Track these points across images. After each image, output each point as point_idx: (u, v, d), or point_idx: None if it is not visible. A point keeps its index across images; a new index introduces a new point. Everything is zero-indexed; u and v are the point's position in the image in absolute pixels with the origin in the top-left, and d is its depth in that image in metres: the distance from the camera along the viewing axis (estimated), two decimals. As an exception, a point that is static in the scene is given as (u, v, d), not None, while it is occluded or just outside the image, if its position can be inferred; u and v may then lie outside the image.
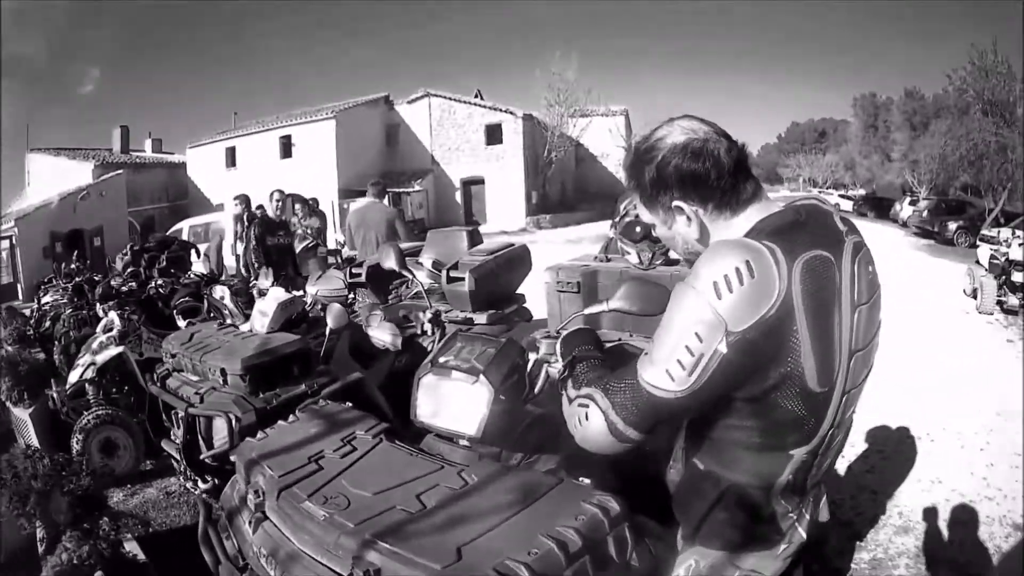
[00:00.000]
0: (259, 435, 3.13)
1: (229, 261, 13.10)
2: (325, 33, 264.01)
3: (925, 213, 33.47)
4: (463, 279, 5.39)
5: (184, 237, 20.57)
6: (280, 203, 10.61)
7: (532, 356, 2.86)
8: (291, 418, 3.31)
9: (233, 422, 4.45)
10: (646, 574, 2.24)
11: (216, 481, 4.87)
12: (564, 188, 49.85)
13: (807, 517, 2.16)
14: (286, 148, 40.39)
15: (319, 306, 6.22)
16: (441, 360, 2.89)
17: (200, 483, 4.96)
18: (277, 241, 10.30)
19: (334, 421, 3.21)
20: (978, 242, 20.44)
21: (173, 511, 6.02)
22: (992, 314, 13.12)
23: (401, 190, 36.07)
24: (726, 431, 2.03)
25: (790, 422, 1.94)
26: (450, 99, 44.28)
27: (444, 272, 5.54)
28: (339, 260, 11.88)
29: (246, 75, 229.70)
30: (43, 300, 12.59)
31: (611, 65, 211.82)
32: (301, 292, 6.44)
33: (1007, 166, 32.34)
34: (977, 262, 16.45)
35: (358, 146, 40.42)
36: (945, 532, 5.22)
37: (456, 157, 43.54)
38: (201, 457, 4.76)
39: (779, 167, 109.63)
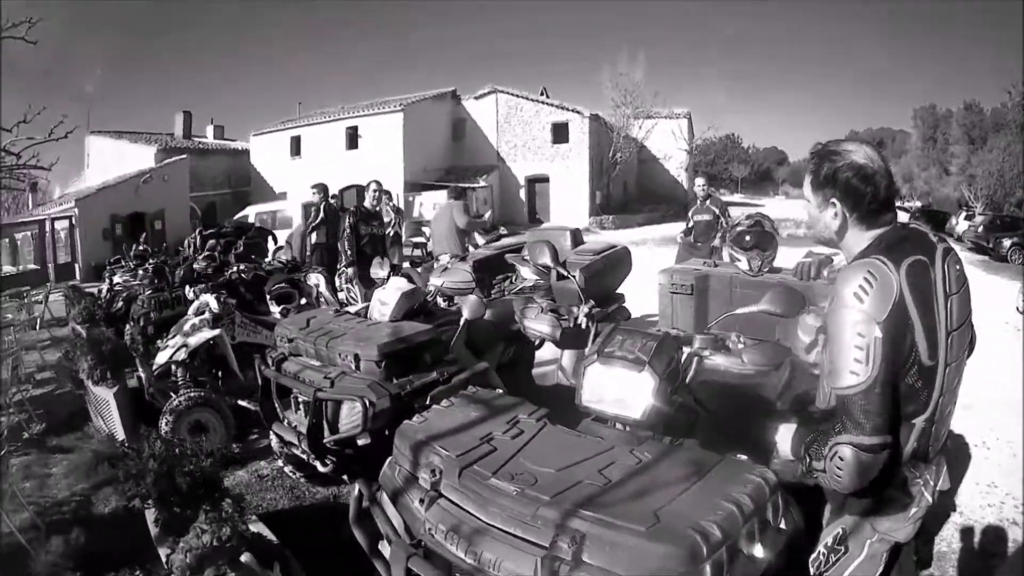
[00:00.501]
0: (417, 418, 3.33)
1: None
2: (390, 25, 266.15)
3: (980, 228, 33.26)
4: (573, 276, 5.44)
5: (250, 224, 20.60)
6: (377, 194, 10.78)
7: (686, 349, 3.29)
8: (445, 403, 3.52)
9: (368, 406, 4.48)
10: (790, 536, 2.64)
11: (336, 464, 4.99)
12: (626, 189, 49.73)
13: (931, 484, 2.64)
14: (352, 139, 40.41)
15: (438, 297, 6.24)
16: (606, 351, 3.19)
17: (320, 466, 5.04)
18: (371, 231, 10.44)
19: (491, 406, 3.46)
20: (1032, 260, 20.18)
21: (268, 494, 6.00)
22: (1045, 331, 12.96)
23: (466, 185, 35.69)
24: None
25: (911, 394, 2.52)
26: (517, 96, 44.15)
27: (554, 270, 5.64)
28: (424, 252, 12.00)
29: (310, 66, 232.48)
30: (114, 281, 12.55)
31: (675, 68, 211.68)
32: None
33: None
34: (1030, 280, 16.06)
35: (424, 140, 40.44)
36: (1003, 530, 5.58)
37: (521, 154, 43.42)
38: (326, 440, 4.81)
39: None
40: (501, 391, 4.12)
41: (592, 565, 2.35)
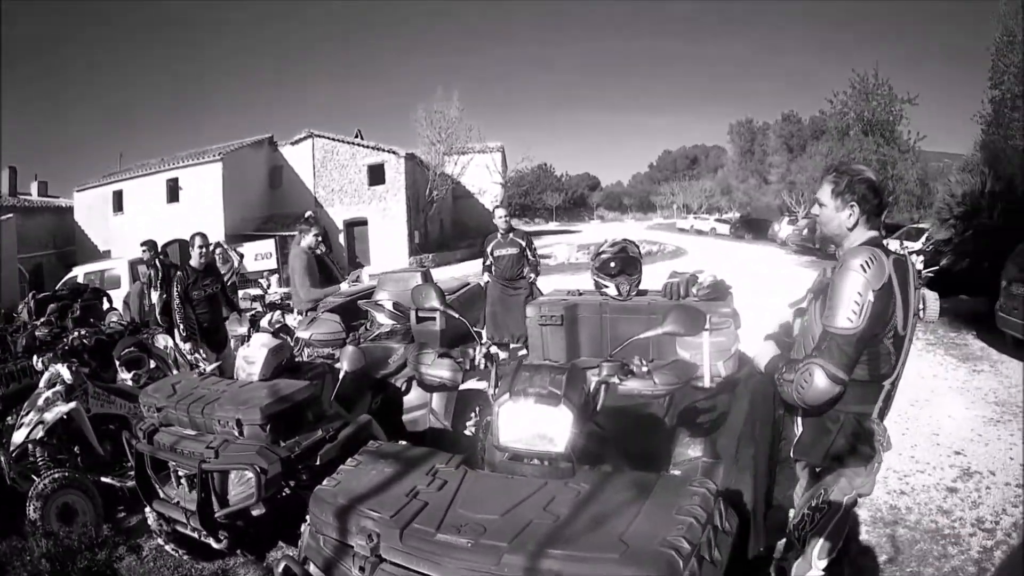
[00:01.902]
0: (329, 481, 3.11)
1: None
2: (207, 73, 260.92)
3: (805, 231, 34.24)
4: (434, 319, 5.36)
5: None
6: (203, 249, 9.20)
7: (593, 378, 3.24)
8: (351, 461, 3.31)
9: (260, 474, 4.25)
10: (735, 534, 2.74)
11: (230, 539, 4.67)
12: (443, 226, 49.98)
13: (884, 443, 3.33)
14: (173, 192, 38.72)
15: (307, 350, 6.14)
16: (517, 388, 3.10)
17: (215, 543, 4.69)
18: (204, 292, 9.23)
19: (403, 459, 3.27)
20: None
21: (152, 576, 5.53)
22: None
23: (286, 233, 34.51)
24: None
25: (885, 355, 3.23)
26: (333, 139, 43.71)
27: (413, 312, 5.82)
28: (262, 304, 11.32)
29: (132, 113, 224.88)
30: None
31: (489, 102, 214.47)
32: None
33: (887, 181, 34.22)
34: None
35: (243, 189, 39.40)
36: (890, 500, 6.12)
37: (339, 198, 42.97)
38: (217, 515, 4.49)
39: (652, 195, 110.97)
40: (405, 443, 4.14)
41: None
